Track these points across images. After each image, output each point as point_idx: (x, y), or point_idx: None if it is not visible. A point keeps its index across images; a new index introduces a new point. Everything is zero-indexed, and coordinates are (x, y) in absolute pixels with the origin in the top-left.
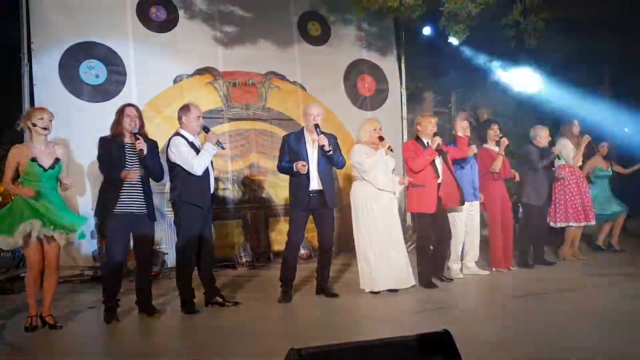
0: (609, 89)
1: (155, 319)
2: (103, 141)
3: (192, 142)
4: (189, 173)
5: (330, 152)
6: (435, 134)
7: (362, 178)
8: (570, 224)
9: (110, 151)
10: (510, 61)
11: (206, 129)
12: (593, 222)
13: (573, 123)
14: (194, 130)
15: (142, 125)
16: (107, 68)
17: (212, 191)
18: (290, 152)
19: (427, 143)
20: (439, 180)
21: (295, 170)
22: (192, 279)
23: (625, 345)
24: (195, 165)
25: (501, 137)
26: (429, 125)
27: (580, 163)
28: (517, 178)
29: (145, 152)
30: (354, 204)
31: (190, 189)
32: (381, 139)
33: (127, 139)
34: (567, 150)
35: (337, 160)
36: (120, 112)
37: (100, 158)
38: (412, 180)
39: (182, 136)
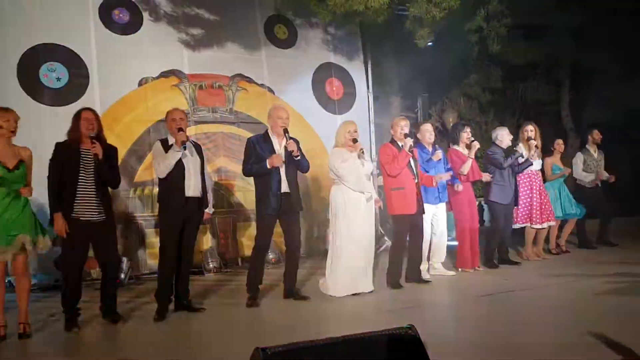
0: (569, 92)
1: (119, 326)
2: (57, 146)
3: (171, 145)
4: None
5: (299, 157)
6: (406, 136)
7: (340, 182)
8: (523, 225)
9: (64, 157)
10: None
11: (180, 129)
12: (552, 223)
13: (525, 128)
14: (172, 133)
15: (100, 130)
16: (69, 71)
17: (192, 194)
18: (256, 154)
19: (401, 145)
20: (417, 181)
21: (269, 167)
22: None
23: (588, 339)
24: (156, 167)
25: (472, 141)
26: (398, 129)
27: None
28: (488, 179)
29: (100, 157)
30: (332, 207)
31: (163, 190)
32: (354, 141)
33: (85, 144)
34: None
35: (303, 165)
36: (77, 117)
37: (51, 162)
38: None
39: (165, 139)
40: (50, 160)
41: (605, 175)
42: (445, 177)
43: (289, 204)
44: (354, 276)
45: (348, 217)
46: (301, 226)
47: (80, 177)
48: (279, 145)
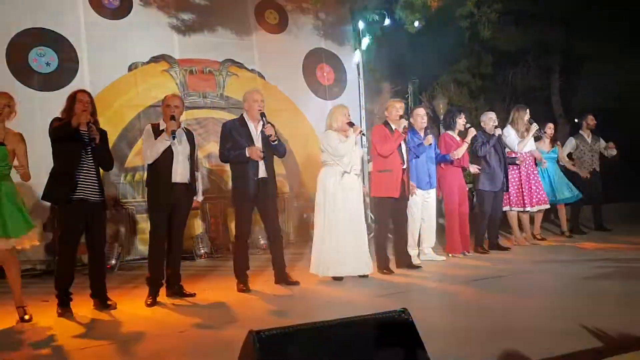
0: (559, 78)
1: (110, 311)
2: (57, 122)
3: (162, 130)
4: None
5: (276, 142)
6: (401, 117)
7: (334, 163)
8: (512, 208)
9: (64, 133)
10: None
11: (172, 118)
12: (545, 206)
13: (525, 111)
14: (165, 119)
15: (94, 112)
16: (58, 55)
17: (179, 180)
18: (232, 139)
19: (395, 128)
20: (404, 166)
21: (247, 156)
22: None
23: (576, 323)
24: (144, 153)
25: (469, 127)
26: (393, 111)
27: (525, 149)
28: (476, 171)
29: (97, 141)
30: (321, 188)
31: (150, 175)
32: (351, 124)
33: (80, 127)
34: (511, 138)
35: (280, 150)
36: (72, 99)
37: (55, 133)
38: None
39: (157, 124)
40: (51, 134)
41: (612, 153)
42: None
43: (265, 190)
44: (344, 258)
45: (338, 198)
46: (292, 211)
47: (81, 158)
48: (255, 129)
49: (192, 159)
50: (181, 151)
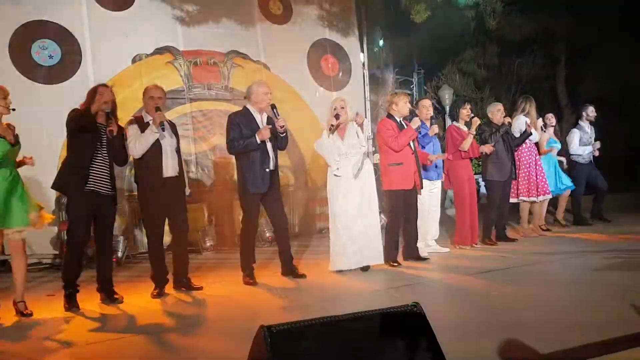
0: (564, 68)
1: (117, 305)
2: (76, 112)
3: (147, 123)
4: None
5: (285, 134)
6: (412, 112)
7: None
8: (523, 198)
9: (82, 125)
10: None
11: (157, 109)
12: (548, 196)
13: (534, 102)
14: (149, 111)
15: (114, 107)
16: (62, 48)
17: (170, 174)
18: (239, 130)
19: (400, 121)
20: (415, 156)
21: (259, 142)
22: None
23: (586, 316)
24: (131, 147)
25: (473, 117)
26: (405, 106)
27: (532, 140)
28: (490, 149)
29: (115, 134)
30: (329, 183)
31: (140, 171)
32: (336, 117)
33: (99, 119)
34: (519, 125)
35: (285, 142)
36: (93, 92)
37: (74, 120)
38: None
39: (140, 117)
40: (69, 123)
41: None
42: (441, 157)
43: (274, 182)
44: (358, 250)
45: (338, 193)
46: (297, 203)
47: (96, 150)
48: (261, 121)
49: (179, 151)
50: (169, 144)
